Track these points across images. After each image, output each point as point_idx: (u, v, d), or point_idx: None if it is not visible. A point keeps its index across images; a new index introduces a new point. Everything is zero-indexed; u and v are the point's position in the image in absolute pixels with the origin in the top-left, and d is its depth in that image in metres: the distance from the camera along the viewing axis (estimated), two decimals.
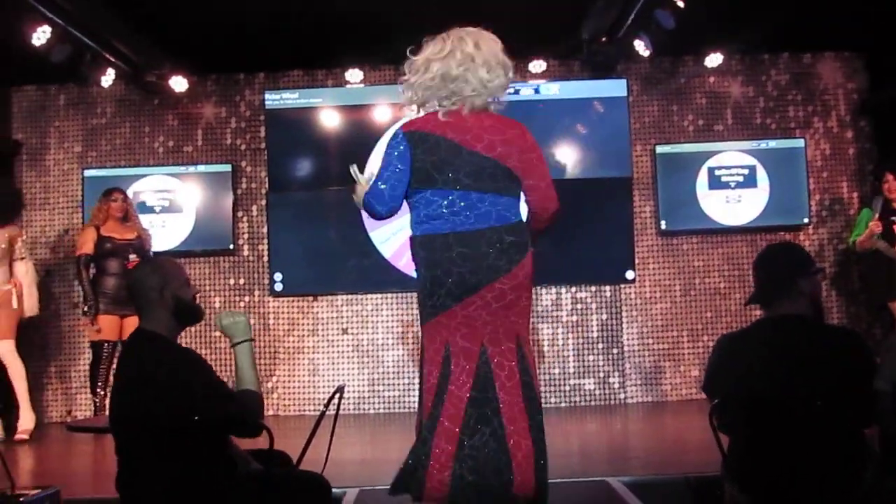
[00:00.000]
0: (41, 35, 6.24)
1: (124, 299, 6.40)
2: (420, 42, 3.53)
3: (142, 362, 2.90)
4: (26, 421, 6.54)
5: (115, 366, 6.15)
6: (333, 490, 3.16)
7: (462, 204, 3.29)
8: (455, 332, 3.30)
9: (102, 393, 6.51)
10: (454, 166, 3.29)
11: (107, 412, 6.20)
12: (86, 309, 6.60)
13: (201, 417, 2.80)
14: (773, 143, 7.78)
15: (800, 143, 7.78)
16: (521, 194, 3.40)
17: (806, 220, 7.73)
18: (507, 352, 3.31)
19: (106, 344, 6.55)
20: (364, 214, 6.65)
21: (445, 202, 3.30)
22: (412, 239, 3.40)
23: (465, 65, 3.35)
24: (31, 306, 6.73)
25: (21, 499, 3.55)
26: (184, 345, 3.05)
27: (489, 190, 3.30)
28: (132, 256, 6.63)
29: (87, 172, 7.78)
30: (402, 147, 3.34)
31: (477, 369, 3.27)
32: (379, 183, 3.36)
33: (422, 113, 3.46)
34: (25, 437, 6.45)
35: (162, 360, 2.87)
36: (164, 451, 2.79)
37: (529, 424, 3.25)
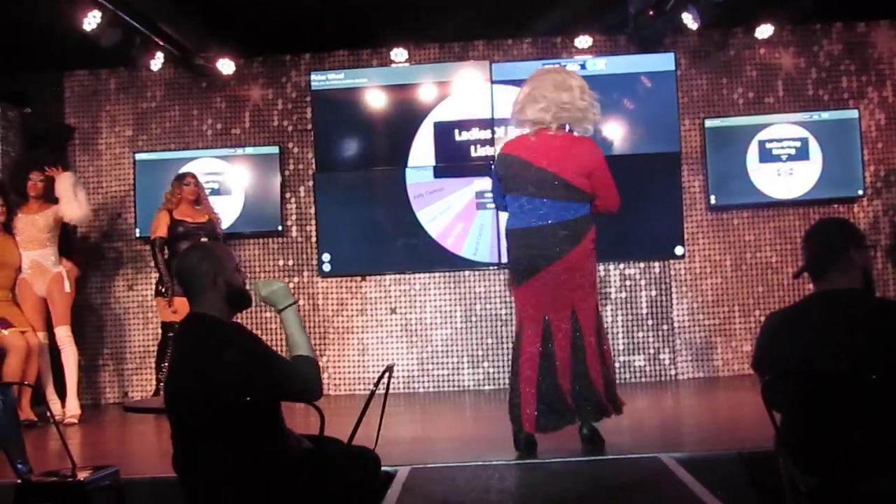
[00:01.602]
0: (91, 20, 6.35)
1: None
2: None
3: (198, 345, 2.92)
4: (73, 407, 6.65)
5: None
6: (386, 468, 3.19)
7: (530, 206, 4.43)
8: (527, 303, 4.48)
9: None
10: (525, 178, 4.44)
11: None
12: (163, 290, 6.67)
13: (262, 392, 2.83)
14: (825, 115, 7.63)
15: (853, 113, 7.62)
16: (583, 196, 4.46)
17: (860, 192, 7.58)
18: (563, 318, 4.44)
19: (178, 325, 6.62)
20: (410, 193, 7.07)
21: (519, 204, 4.48)
22: (510, 230, 4.56)
23: (572, 92, 4.52)
24: (73, 209, 6.68)
25: (82, 478, 3.63)
26: None
27: (550, 196, 4.39)
28: (204, 240, 6.69)
29: (138, 156, 7.89)
30: (493, 167, 4.76)
31: (542, 331, 4.42)
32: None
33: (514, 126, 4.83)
34: (74, 421, 6.57)
35: (218, 341, 2.89)
36: (219, 430, 2.83)
37: (572, 373, 4.44)
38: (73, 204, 6.67)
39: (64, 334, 6.64)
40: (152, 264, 7.03)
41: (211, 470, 2.84)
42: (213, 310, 2.98)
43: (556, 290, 4.41)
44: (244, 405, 2.79)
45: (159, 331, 7.08)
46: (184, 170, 7.32)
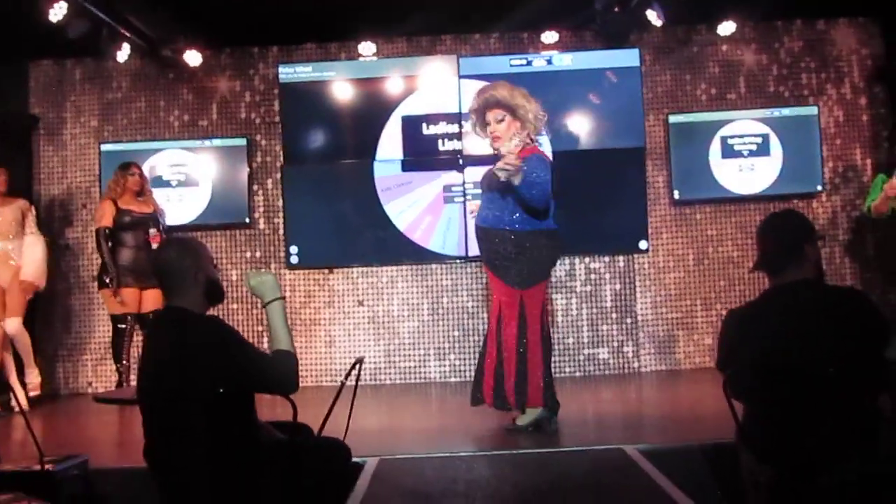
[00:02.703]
0: (58, 10, 6.29)
1: (143, 272, 6.47)
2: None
3: (178, 337, 2.94)
4: (33, 377, 6.70)
5: (139, 339, 6.28)
6: (355, 459, 3.23)
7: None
8: (545, 295, 4.95)
9: (126, 364, 6.57)
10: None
11: (131, 383, 6.30)
12: (108, 281, 6.60)
13: (239, 385, 2.85)
14: (786, 111, 7.76)
15: (813, 110, 7.75)
16: None
17: (819, 188, 7.72)
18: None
19: (128, 317, 6.60)
20: (378, 187, 7.01)
21: (554, 209, 4.91)
22: (549, 230, 4.86)
23: None
24: (35, 278, 6.76)
25: (50, 467, 3.63)
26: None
27: None
28: (152, 231, 6.66)
29: (104, 147, 7.82)
30: (550, 167, 4.79)
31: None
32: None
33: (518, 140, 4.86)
34: (37, 391, 6.58)
35: (199, 334, 2.92)
36: (194, 421, 2.85)
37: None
38: (37, 272, 6.74)
39: (15, 325, 6.58)
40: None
41: (184, 460, 2.87)
42: (192, 304, 3.01)
43: None
44: (220, 396, 2.82)
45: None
46: (148, 161, 7.29)
